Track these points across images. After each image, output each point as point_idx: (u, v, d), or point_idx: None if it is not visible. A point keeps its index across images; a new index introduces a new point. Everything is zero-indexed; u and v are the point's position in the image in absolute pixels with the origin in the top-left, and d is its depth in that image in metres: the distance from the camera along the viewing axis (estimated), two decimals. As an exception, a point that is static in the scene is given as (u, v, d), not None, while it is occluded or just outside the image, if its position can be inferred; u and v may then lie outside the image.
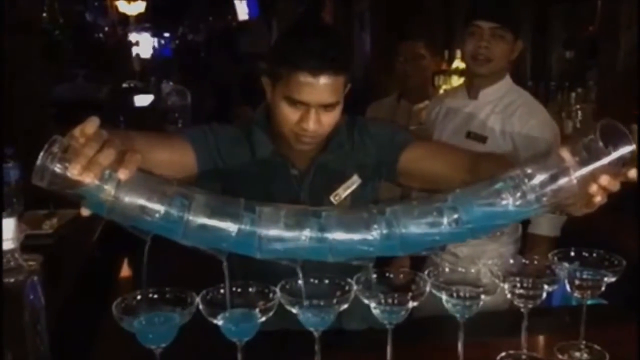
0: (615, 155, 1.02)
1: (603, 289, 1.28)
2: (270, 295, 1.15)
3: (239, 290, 1.17)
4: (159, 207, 1.02)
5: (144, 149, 1.13)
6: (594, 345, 1.34)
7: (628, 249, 1.99)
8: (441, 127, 2.20)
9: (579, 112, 3.28)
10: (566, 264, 1.28)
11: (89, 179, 0.95)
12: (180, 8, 12.83)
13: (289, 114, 1.39)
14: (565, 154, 1.04)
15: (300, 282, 1.15)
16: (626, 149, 1.02)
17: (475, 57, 2.02)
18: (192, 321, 1.11)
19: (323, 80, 1.35)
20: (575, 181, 1.03)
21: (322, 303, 1.14)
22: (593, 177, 1.03)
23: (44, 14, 4.67)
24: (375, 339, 1.25)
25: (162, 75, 8.82)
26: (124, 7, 9.51)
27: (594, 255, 1.31)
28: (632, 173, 1.04)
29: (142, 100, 7.42)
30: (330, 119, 1.42)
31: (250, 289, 1.18)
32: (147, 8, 9.88)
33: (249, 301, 1.16)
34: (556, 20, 4.18)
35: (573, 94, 3.36)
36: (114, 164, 0.98)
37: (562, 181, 1.04)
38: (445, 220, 1.09)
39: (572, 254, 1.31)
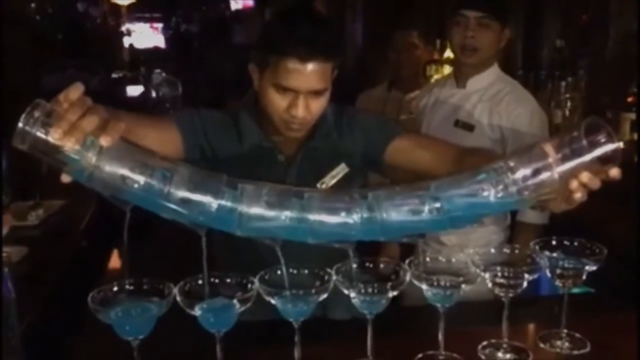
0: (597, 152, 1.03)
1: (584, 277, 1.28)
2: (249, 285, 1.15)
3: (217, 280, 1.16)
4: (140, 178, 1.01)
5: (130, 126, 1.11)
6: (575, 334, 1.34)
7: (616, 236, 1.99)
8: (430, 116, 2.20)
9: (569, 102, 3.27)
10: (547, 253, 1.28)
11: (70, 143, 0.95)
12: (173, -2, 12.75)
13: (278, 101, 1.39)
14: (549, 149, 1.05)
15: (281, 263, 1.15)
16: (609, 147, 1.03)
17: (462, 47, 2.02)
18: (170, 312, 1.10)
19: (312, 66, 1.34)
20: (557, 176, 1.04)
21: (300, 293, 1.14)
22: (574, 173, 1.04)
23: (32, 5, 4.63)
24: (357, 329, 1.24)
25: (154, 66, 8.77)
26: (115, -3, 9.44)
27: (576, 244, 1.31)
28: (614, 172, 1.05)
29: (133, 90, 7.38)
30: (318, 105, 1.41)
31: (228, 280, 1.17)
32: (139, -2, 9.82)
33: (227, 291, 1.15)
34: (548, 9, 4.17)
35: (563, 83, 3.34)
36: (96, 130, 0.97)
37: (544, 176, 1.05)
38: (426, 208, 1.09)
39: (554, 242, 1.31)
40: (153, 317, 1.09)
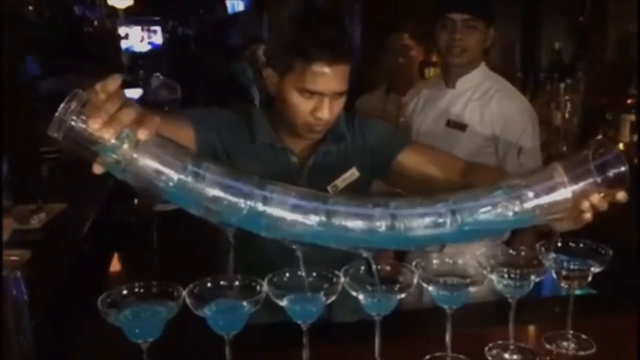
0: (607, 174, 1.06)
1: (590, 278, 1.28)
2: (258, 287, 1.15)
3: (225, 283, 1.17)
4: (173, 174, 1.00)
5: None
6: (581, 335, 1.35)
7: (620, 238, 1.99)
8: (421, 117, 2.22)
9: (568, 103, 3.27)
10: (553, 255, 1.28)
11: (108, 134, 0.94)
12: (170, 1, 12.74)
13: (302, 104, 1.41)
14: (560, 169, 1.08)
15: (292, 265, 1.16)
16: (618, 170, 1.06)
17: (450, 49, 2.05)
18: (180, 315, 1.10)
19: (337, 69, 1.38)
20: (570, 195, 1.07)
21: (309, 295, 1.14)
22: (584, 194, 1.07)
23: (30, 7, 4.62)
24: (364, 331, 1.25)
25: (151, 69, 8.75)
26: (113, 0, 9.42)
27: (581, 245, 1.31)
28: (621, 195, 1.08)
29: (132, 94, 7.35)
30: (339, 106, 1.45)
31: (237, 282, 1.17)
32: (136, 1, 9.80)
33: (236, 294, 1.15)
34: (546, 11, 4.17)
35: (562, 85, 3.35)
36: (132, 124, 0.96)
37: (558, 194, 1.08)
38: (447, 220, 1.10)
39: (559, 244, 1.31)
40: (162, 320, 1.09)
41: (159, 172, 1.00)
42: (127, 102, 0.96)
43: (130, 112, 0.95)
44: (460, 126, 2.07)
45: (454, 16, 2.01)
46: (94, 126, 0.92)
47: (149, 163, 0.99)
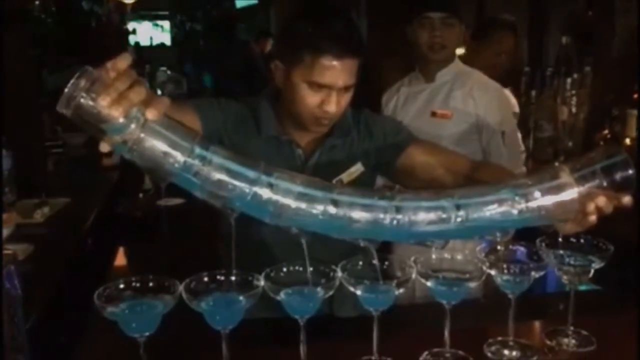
0: (613, 177, 1.06)
1: (591, 274, 1.28)
2: (255, 282, 1.14)
3: (222, 278, 1.16)
4: (179, 156, 1.00)
5: None
6: (581, 331, 1.34)
7: (622, 234, 1.98)
8: (403, 112, 2.25)
9: (574, 98, 3.26)
10: (554, 250, 1.27)
11: (117, 113, 0.93)
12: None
13: (310, 97, 1.41)
14: (567, 170, 1.09)
15: (304, 246, 1.15)
16: (625, 174, 1.06)
17: (432, 46, 2.12)
18: (176, 309, 1.10)
19: (346, 63, 1.38)
20: (576, 196, 1.07)
21: (306, 290, 1.14)
22: (590, 196, 1.07)
23: (36, 2, 4.63)
24: (362, 326, 1.24)
25: (159, 64, 8.76)
26: (120, -5, 9.43)
27: (582, 241, 1.30)
28: (627, 200, 1.09)
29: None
30: (346, 100, 1.45)
31: (234, 277, 1.17)
32: (143, -4, 9.80)
33: (233, 289, 1.15)
34: (553, 6, 4.15)
35: (569, 80, 3.33)
36: (141, 103, 0.96)
37: (564, 195, 1.08)
38: (450, 215, 1.10)
39: (560, 240, 1.30)
40: (159, 314, 1.09)
41: (165, 154, 0.99)
42: (137, 82, 0.96)
43: (140, 92, 0.95)
44: (446, 115, 2.15)
45: (432, 15, 2.08)
46: (103, 103, 0.92)
47: (156, 144, 0.98)
